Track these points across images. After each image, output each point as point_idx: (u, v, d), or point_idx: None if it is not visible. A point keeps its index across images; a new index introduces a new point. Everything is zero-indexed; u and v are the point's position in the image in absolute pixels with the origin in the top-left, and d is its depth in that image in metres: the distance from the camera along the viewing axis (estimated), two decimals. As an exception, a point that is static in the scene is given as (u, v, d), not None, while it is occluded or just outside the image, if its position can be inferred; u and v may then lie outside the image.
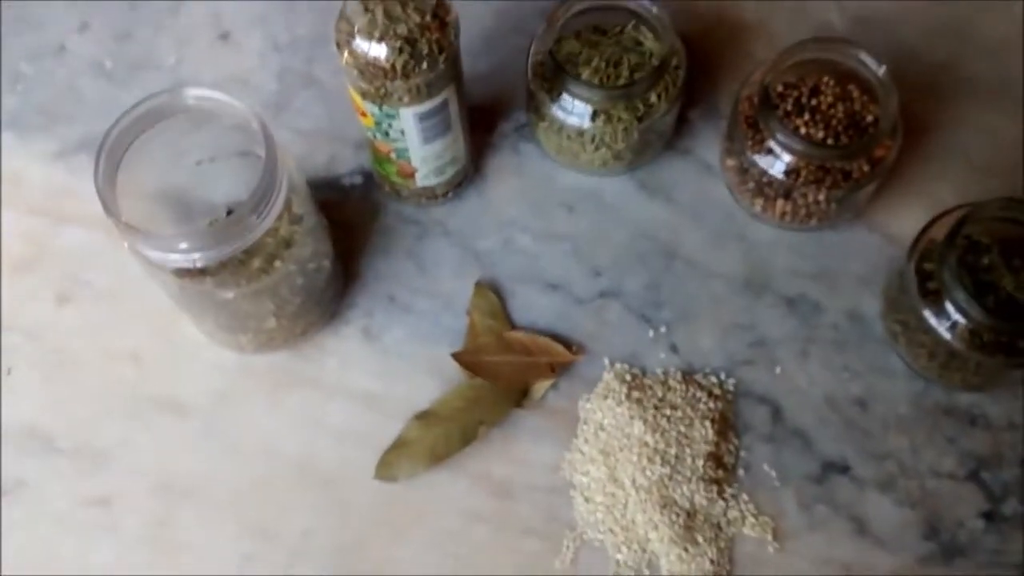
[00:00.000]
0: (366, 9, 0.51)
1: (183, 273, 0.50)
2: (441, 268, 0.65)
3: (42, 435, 0.60)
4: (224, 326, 0.58)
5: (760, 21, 0.72)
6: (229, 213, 0.60)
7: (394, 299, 0.64)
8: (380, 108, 0.55)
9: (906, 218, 0.64)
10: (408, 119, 0.56)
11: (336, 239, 0.62)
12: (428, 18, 0.51)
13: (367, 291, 0.64)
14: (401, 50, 0.51)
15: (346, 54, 0.53)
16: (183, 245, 0.48)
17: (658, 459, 0.57)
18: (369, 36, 0.51)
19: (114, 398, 0.61)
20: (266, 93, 0.69)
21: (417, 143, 0.58)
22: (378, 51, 0.52)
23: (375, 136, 0.58)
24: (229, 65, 0.70)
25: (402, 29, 0.51)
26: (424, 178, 0.62)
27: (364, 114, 0.56)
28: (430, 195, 0.65)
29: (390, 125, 0.56)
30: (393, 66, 0.52)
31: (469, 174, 0.66)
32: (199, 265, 0.49)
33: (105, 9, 0.72)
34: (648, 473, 0.57)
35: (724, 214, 0.66)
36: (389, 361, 0.62)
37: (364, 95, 0.54)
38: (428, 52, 0.52)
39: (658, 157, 0.68)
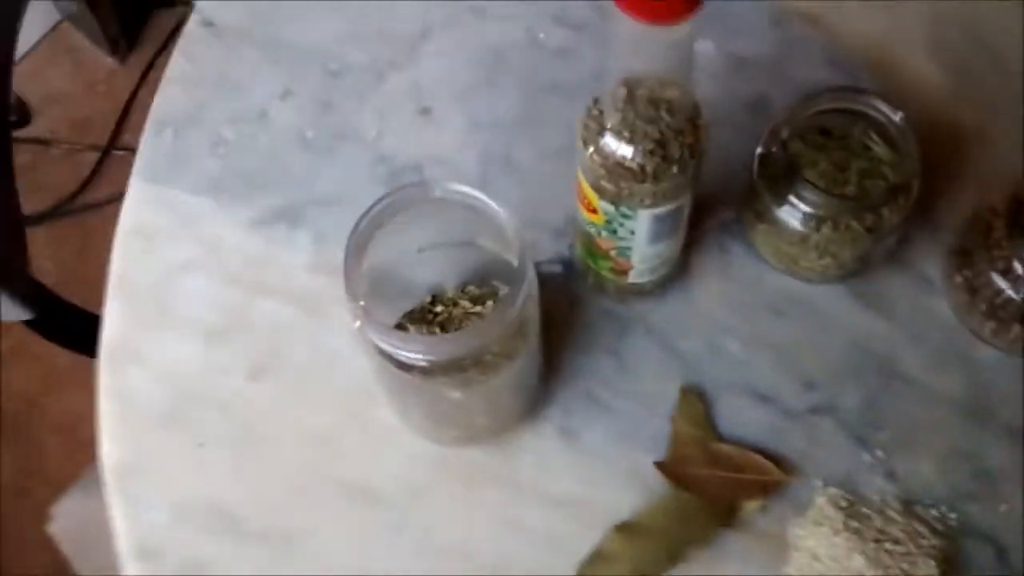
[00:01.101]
0: (620, 108, 0.49)
1: (411, 368, 0.48)
2: (643, 367, 0.62)
3: (229, 516, 0.58)
4: (433, 419, 0.56)
5: (980, 127, 0.68)
6: (432, 299, 0.59)
7: (593, 397, 0.61)
8: (616, 208, 0.53)
9: None
10: (644, 220, 0.53)
11: (535, 330, 0.59)
12: (683, 121, 0.49)
13: (566, 387, 0.62)
14: (652, 152, 0.49)
15: (591, 151, 0.51)
16: (420, 346, 0.46)
17: (882, 599, 0.53)
18: (619, 136, 0.49)
19: (305, 481, 0.59)
20: (465, 175, 0.67)
21: (644, 243, 0.56)
22: (628, 151, 0.49)
23: (600, 233, 0.56)
24: (430, 142, 0.69)
25: (655, 131, 0.49)
26: (638, 275, 0.60)
27: (594, 211, 0.54)
28: (636, 291, 0.63)
29: (621, 224, 0.54)
30: (643, 168, 0.50)
31: (675, 271, 0.64)
32: (432, 362, 0.48)
33: (308, 76, 0.71)
34: (872, 614, 0.53)
35: (945, 333, 0.62)
36: (587, 463, 0.59)
37: (602, 194, 0.52)
38: (679, 157, 0.49)
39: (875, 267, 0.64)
